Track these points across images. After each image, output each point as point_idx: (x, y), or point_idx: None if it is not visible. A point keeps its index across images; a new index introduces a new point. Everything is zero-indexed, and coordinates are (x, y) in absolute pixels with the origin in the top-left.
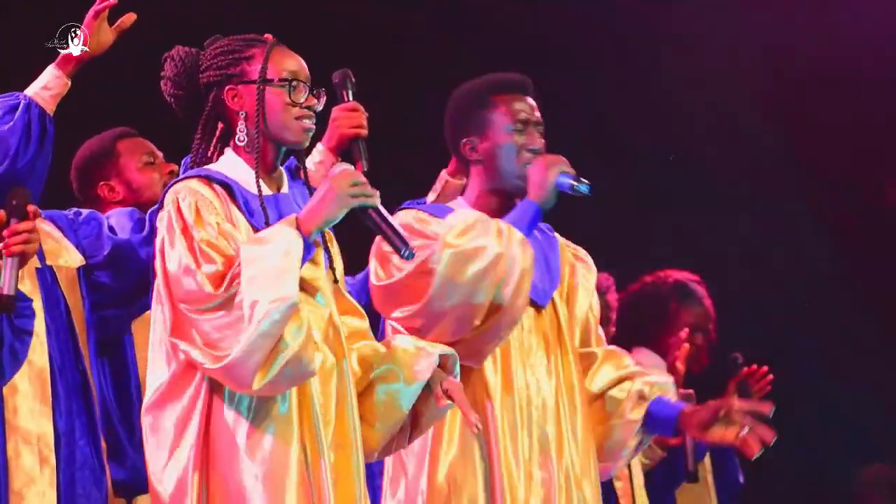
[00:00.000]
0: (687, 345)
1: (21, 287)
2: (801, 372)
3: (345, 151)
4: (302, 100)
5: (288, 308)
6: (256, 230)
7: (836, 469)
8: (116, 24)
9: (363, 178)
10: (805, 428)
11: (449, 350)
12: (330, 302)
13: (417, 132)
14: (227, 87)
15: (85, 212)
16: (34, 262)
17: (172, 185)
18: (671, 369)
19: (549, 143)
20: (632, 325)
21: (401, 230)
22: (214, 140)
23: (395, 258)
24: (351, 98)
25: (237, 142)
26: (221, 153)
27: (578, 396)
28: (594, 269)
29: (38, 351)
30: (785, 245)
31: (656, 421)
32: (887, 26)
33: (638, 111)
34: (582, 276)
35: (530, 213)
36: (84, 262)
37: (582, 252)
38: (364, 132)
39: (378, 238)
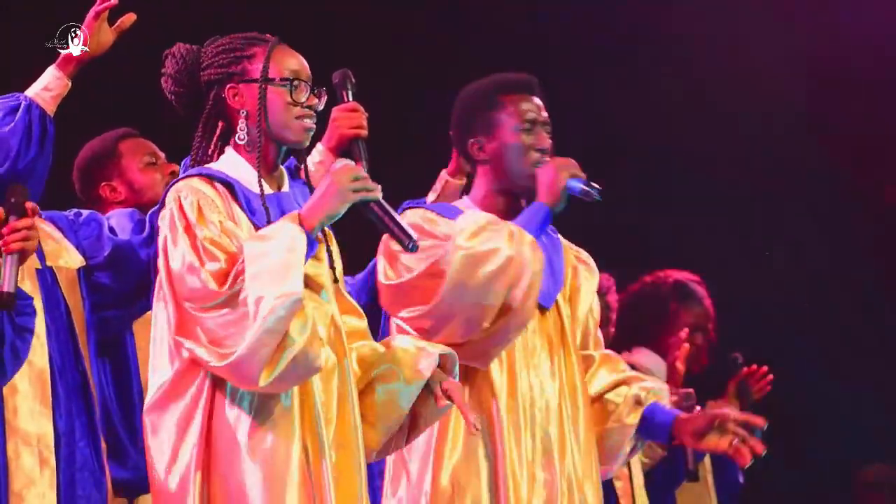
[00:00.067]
0: (687, 345)
1: (21, 287)
2: (801, 372)
3: (345, 152)
4: (303, 99)
5: (293, 304)
6: (258, 229)
7: (836, 469)
8: (116, 24)
9: (364, 173)
10: (805, 428)
11: (448, 350)
12: (332, 299)
13: (417, 132)
14: (228, 86)
15: (85, 213)
16: (34, 263)
17: (174, 183)
18: (671, 369)
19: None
20: (632, 326)
21: (404, 223)
22: (215, 138)
23: (404, 257)
24: (351, 98)
25: (238, 140)
26: (222, 151)
27: (581, 398)
28: (596, 272)
29: (39, 351)
30: (785, 245)
31: (651, 427)
32: (887, 26)
33: (638, 111)
34: (584, 278)
35: (540, 215)
36: (84, 263)
37: (584, 255)
38: (364, 132)
39: (385, 237)
